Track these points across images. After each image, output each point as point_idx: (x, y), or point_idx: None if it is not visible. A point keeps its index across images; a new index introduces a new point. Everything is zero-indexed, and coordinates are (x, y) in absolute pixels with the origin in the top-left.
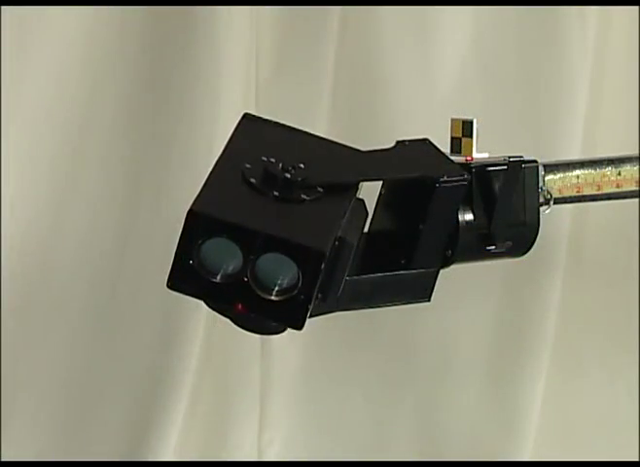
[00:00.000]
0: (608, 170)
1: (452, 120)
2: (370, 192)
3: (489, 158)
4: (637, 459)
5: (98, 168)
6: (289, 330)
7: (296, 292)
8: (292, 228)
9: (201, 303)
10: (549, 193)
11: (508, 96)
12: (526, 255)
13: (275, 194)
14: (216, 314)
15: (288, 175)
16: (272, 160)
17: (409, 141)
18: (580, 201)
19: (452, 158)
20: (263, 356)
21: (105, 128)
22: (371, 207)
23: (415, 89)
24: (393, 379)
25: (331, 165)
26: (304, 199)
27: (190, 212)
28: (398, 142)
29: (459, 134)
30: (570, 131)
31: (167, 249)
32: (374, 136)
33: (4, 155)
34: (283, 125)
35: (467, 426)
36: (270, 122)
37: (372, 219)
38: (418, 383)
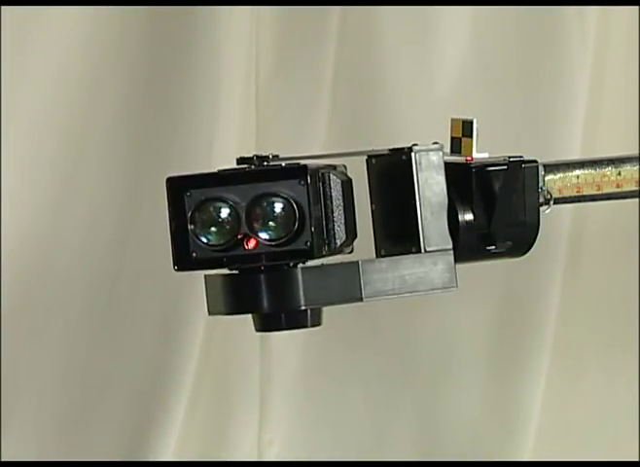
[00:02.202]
0: (608, 170)
1: (452, 120)
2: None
3: (489, 158)
4: (637, 459)
5: (98, 168)
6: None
7: (296, 224)
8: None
9: (201, 303)
10: (549, 193)
11: (508, 96)
12: (526, 255)
13: (251, 167)
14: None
15: (260, 154)
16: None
17: None
18: (580, 201)
19: (452, 158)
20: (262, 356)
21: (105, 128)
22: (368, 229)
23: (415, 89)
24: (393, 379)
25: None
26: (281, 165)
27: (169, 180)
28: None
29: (459, 134)
30: (570, 131)
31: (167, 249)
32: (374, 136)
33: (4, 155)
34: None
35: (467, 426)
36: None
37: (374, 239)
38: (418, 383)
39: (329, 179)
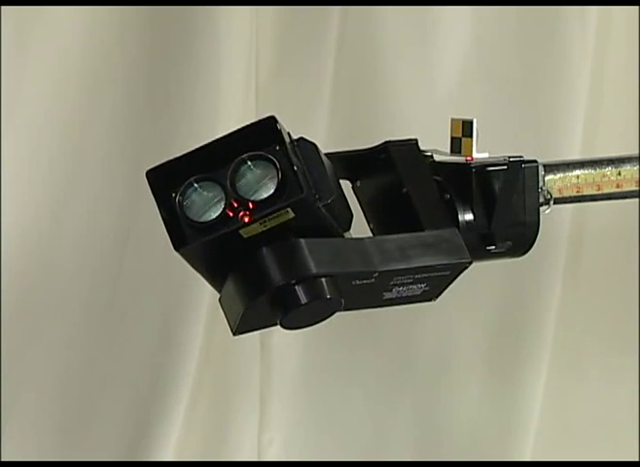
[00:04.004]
0: (608, 170)
1: (452, 120)
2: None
3: (489, 158)
4: (637, 459)
5: (98, 168)
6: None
7: (280, 177)
8: None
9: (201, 303)
10: (549, 193)
11: (508, 96)
12: (526, 255)
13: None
14: (216, 314)
15: None
16: None
17: None
18: (580, 201)
19: (452, 157)
20: (263, 356)
21: (105, 128)
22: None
23: (415, 88)
24: (393, 379)
25: None
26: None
27: (147, 173)
28: None
29: (459, 134)
30: (570, 131)
31: (167, 249)
32: (374, 136)
33: (4, 155)
34: None
35: (467, 426)
36: None
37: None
38: (418, 383)
39: (303, 142)
